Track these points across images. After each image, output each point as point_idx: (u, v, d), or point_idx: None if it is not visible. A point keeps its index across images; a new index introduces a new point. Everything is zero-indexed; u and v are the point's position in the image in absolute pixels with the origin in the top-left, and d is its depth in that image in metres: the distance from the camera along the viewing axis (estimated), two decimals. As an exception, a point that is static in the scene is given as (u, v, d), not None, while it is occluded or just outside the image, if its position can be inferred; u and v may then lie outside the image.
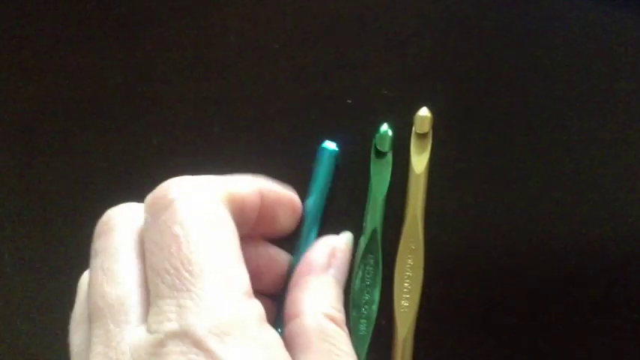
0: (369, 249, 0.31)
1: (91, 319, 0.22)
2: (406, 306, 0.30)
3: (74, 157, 0.35)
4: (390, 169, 0.31)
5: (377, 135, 0.31)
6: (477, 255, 0.31)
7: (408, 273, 0.31)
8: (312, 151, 0.32)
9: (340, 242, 0.30)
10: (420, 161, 0.31)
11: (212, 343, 0.19)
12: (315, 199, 0.31)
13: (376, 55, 0.33)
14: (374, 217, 0.31)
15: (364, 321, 0.30)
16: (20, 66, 0.36)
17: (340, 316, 0.26)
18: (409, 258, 0.31)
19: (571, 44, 0.32)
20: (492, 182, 0.32)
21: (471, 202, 0.32)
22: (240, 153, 0.33)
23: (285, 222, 0.29)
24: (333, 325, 0.25)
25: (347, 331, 0.26)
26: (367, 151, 0.32)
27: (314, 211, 0.30)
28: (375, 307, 0.30)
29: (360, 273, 0.31)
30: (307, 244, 0.30)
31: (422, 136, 0.31)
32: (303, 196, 0.30)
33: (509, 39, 0.32)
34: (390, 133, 0.31)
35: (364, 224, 0.31)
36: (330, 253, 0.29)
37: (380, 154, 0.31)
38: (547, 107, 0.32)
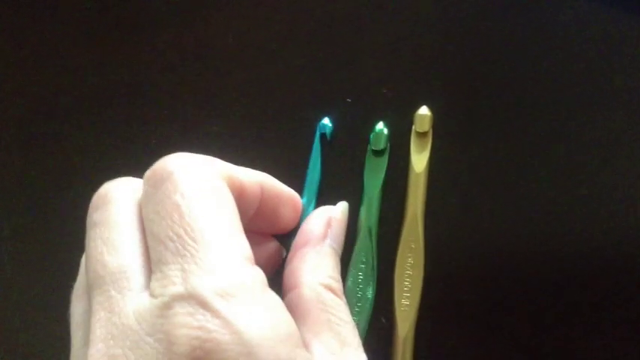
0: (362, 247, 0.31)
1: (91, 287, 0.22)
2: (406, 304, 0.30)
3: (72, 157, 0.35)
4: (385, 167, 0.31)
5: (372, 133, 0.31)
6: (477, 254, 0.31)
7: (408, 272, 0.31)
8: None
9: (336, 211, 0.30)
10: (420, 160, 0.31)
11: (218, 304, 0.19)
12: (309, 175, 0.31)
13: (376, 54, 0.33)
14: (368, 215, 0.31)
15: (356, 319, 0.30)
16: (19, 66, 0.36)
17: (338, 285, 0.27)
18: (409, 257, 0.31)
19: (571, 44, 0.32)
20: (492, 181, 0.32)
21: (470, 201, 0.32)
22: (239, 152, 0.33)
23: (286, 219, 0.29)
24: (331, 295, 0.26)
25: (345, 299, 0.26)
26: (365, 148, 0.32)
27: (311, 187, 0.31)
28: (369, 305, 0.30)
29: (353, 271, 0.31)
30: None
31: (422, 135, 0.31)
32: (301, 195, 0.31)
33: (509, 38, 0.32)
34: (385, 131, 0.31)
35: (359, 222, 0.31)
36: (326, 223, 0.29)
37: (376, 153, 0.31)
38: (547, 106, 0.32)
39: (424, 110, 0.31)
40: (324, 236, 0.28)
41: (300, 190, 0.31)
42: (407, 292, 0.31)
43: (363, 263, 0.31)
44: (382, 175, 0.31)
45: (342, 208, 0.30)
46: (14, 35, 0.36)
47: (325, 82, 0.33)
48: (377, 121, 0.32)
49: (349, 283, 0.31)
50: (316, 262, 0.27)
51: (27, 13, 0.36)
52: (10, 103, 0.36)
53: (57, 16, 0.36)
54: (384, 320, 0.31)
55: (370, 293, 0.31)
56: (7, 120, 0.36)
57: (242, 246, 0.22)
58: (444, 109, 0.32)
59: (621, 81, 0.32)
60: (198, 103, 0.34)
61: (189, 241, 0.21)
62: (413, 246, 0.31)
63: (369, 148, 0.32)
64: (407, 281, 0.31)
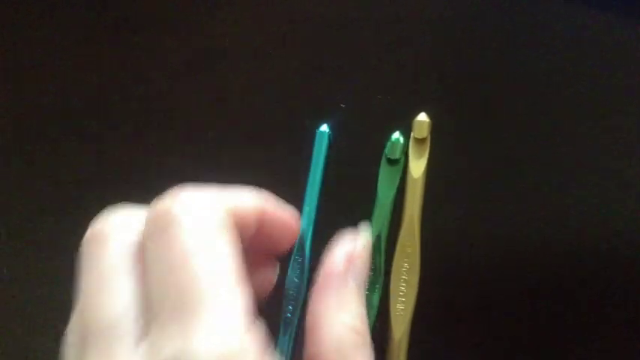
0: (371, 254, 0.31)
1: (84, 342, 0.21)
2: (401, 309, 0.31)
3: (70, 162, 0.35)
4: (399, 176, 0.31)
5: (388, 142, 0.31)
6: (473, 259, 0.32)
7: (403, 277, 0.31)
8: (307, 155, 0.32)
9: (358, 244, 0.29)
10: (417, 166, 0.31)
11: None
12: (310, 182, 0.31)
13: (375, 59, 0.33)
14: (379, 222, 0.31)
15: None
16: (18, 68, 0.36)
17: (363, 326, 0.26)
18: (405, 262, 0.31)
19: (569, 50, 0.32)
20: (490, 187, 0.32)
21: (468, 207, 0.32)
22: (235, 157, 0.33)
23: (281, 244, 0.29)
24: (356, 339, 0.26)
25: (369, 339, 0.26)
26: (361, 155, 0.32)
27: (312, 195, 0.31)
28: (373, 313, 0.30)
29: None
30: (307, 235, 0.30)
31: (420, 141, 0.31)
32: (297, 203, 0.31)
33: (508, 44, 0.32)
34: (401, 140, 0.31)
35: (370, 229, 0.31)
36: (347, 259, 0.28)
37: (391, 161, 0.31)
38: (545, 112, 0.32)
39: (423, 117, 0.31)
40: (346, 274, 0.28)
41: (296, 196, 0.31)
42: (402, 296, 0.31)
43: (371, 270, 0.31)
44: (396, 183, 0.31)
45: (363, 241, 0.29)
46: (14, 36, 0.36)
47: (321, 87, 0.33)
48: (372, 126, 0.31)
49: None
50: (339, 304, 0.27)
51: (27, 15, 0.36)
52: (8, 105, 0.36)
53: (55, 18, 0.36)
54: (378, 325, 0.31)
55: (376, 300, 0.30)
56: (5, 122, 0.36)
57: (244, 302, 0.21)
58: (443, 116, 0.31)
59: (619, 84, 0.31)
60: (195, 107, 0.34)
61: (191, 299, 0.20)
62: (409, 251, 0.31)
63: (383, 156, 0.31)
64: (402, 286, 0.31)
